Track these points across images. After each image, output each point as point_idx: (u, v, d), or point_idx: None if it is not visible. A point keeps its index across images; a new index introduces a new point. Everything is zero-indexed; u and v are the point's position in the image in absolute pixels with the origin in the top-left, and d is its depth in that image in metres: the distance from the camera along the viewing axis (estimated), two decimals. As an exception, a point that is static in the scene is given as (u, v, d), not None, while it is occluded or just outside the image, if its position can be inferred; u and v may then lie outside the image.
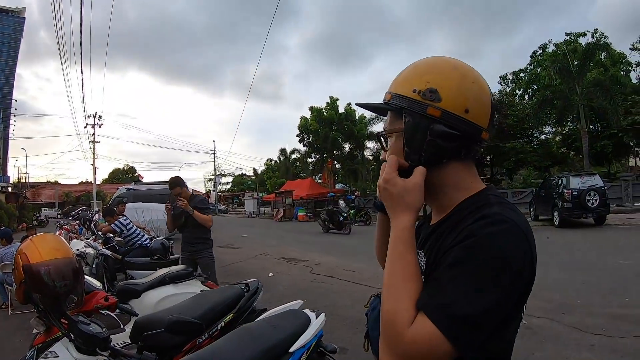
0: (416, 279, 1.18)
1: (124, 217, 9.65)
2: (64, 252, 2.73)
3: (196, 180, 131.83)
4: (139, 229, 9.64)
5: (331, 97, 42.36)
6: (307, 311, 3.51)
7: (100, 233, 10.15)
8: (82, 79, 53.34)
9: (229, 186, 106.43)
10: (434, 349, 1.07)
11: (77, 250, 6.97)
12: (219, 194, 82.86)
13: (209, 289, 5.41)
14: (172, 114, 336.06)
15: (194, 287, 5.37)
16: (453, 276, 1.11)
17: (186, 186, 6.95)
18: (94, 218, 15.29)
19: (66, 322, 2.56)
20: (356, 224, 28.44)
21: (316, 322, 3.36)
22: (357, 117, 41.72)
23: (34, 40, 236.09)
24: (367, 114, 42.11)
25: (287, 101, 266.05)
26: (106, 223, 9.87)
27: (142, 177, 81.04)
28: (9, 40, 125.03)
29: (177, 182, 6.78)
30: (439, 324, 1.06)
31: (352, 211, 29.75)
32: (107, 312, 3.55)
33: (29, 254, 2.59)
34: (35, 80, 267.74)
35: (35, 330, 5.24)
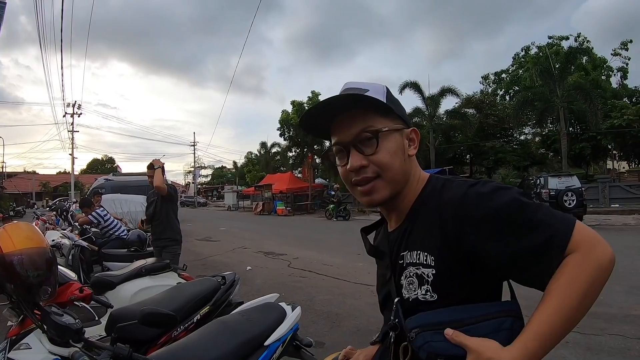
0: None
1: (101, 209, 9.57)
2: (37, 242, 2.68)
3: (176, 172, 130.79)
4: (116, 221, 9.57)
5: (313, 92, 42.14)
6: (283, 304, 3.51)
7: (77, 224, 10.06)
8: (62, 67, 52.62)
9: (209, 179, 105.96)
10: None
11: (53, 240, 6.90)
12: (199, 186, 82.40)
13: (185, 281, 5.39)
14: (153, 104, 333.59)
15: (170, 280, 5.33)
16: (521, 217, 1.22)
17: (161, 172, 6.72)
18: (71, 209, 15.14)
19: (39, 313, 2.53)
20: (335, 219, 28.48)
21: (292, 316, 3.37)
22: None
23: (15, 26, 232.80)
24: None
25: (269, 95, 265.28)
26: (83, 214, 9.78)
27: (121, 169, 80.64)
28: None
29: (149, 165, 6.76)
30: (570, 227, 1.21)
31: (332, 206, 29.82)
32: (81, 303, 3.50)
33: (1, 243, 2.53)
34: (15, 67, 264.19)
35: (10, 322, 5.20)
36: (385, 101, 1.41)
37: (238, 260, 12.97)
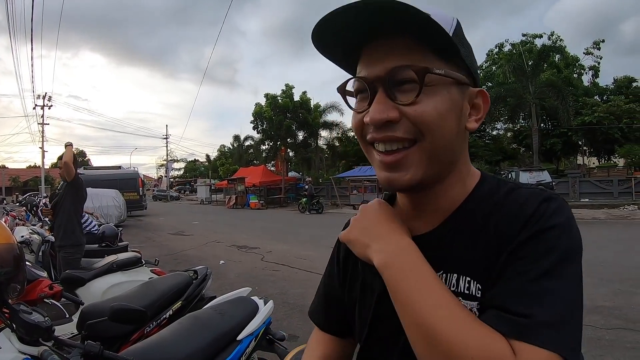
0: (458, 302, 0.88)
1: None
2: (4, 238, 2.58)
3: (148, 165, 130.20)
4: (87, 215, 9.42)
5: (287, 85, 41.74)
6: (255, 298, 3.52)
7: (47, 219, 9.91)
8: (32, 58, 51.60)
9: (182, 172, 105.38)
10: None
11: (22, 237, 6.80)
12: (171, 180, 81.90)
13: (157, 276, 5.36)
14: (125, 96, 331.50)
15: (142, 275, 5.30)
16: (551, 278, 0.82)
17: (74, 163, 6.37)
18: (41, 204, 14.94)
19: (8, 311, 2.49)
20: (308, 212, 28.52)
21: (264, 310, 3.37)
22: (311, 106, 41.59)
23: None
24: (322, 102, 42.16)
25: (242, 87, 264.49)
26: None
27: (91, 162, 79.69)
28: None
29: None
30: (558, 348, 0.77)
31: (304, 199, 29.85)
32: (52, 301, 3.45)
33: None
34: None
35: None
36: (451, 35, 0.89)
37: (211, 254, 12.93)
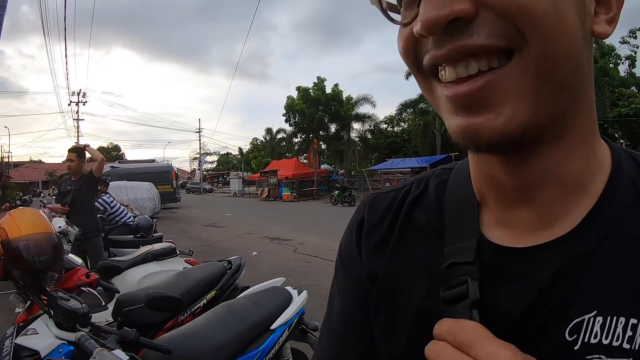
0: None
1: (108, 195, 9.55)
2: (43, 227, 2.66)
3: (181, 158, 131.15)
4: (122, 207, 9.54)
5: (319, 77, 41.67)
6: (289, 288, 3.53)
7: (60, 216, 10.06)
8: (66, 55, 52.44)
9: (214, 165, 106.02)
10: None
11: (60, 228, 6.90)
12: (204, 173, 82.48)
13: (191, 266, 5.40)
14: (157, 91, 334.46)
15: (176, 265, 5.35)
16: None
17: (83, 160, 6.63)
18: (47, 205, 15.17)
19: (46, 298, 2.53)
20: (340, 205, 28.45)
21: (298, 300, 3.37)
22: (343, 98, 41.34)
23: (17, 16, 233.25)
24: (354, 94, 41.87)
25: (274, 80, 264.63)
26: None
27: (126, 156, 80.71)
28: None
29: (75, 149, 6.59)
30: None
31: (337, 192, 29.79)
32: (88, 289, 3.51)
33: (7, 228, 2.50)
34: (19, 57, 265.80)
35: (17, 310, 5.23)
36: None
37: (244, 246, 12.95)
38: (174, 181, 31.94)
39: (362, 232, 0.85)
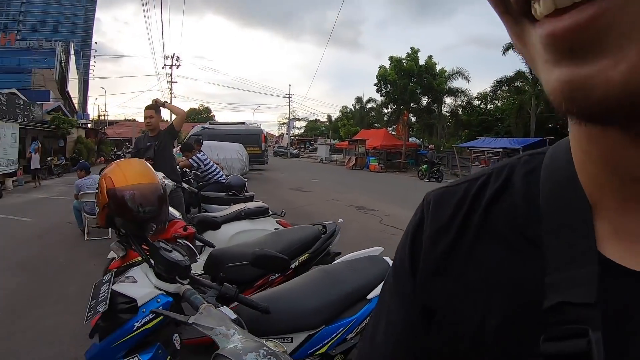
0: None
1: (202, 153, 9.70)
2: (149, 178, 2.66)
3: (270, 122, 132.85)
4: (215, 165, 9.67)
5: (412, 48, 40.52)
6: (387, 258, 3.40)
7: (177, 167, 10.29)
8: (162, 21, 53.75)
9: (302, 131, 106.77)
10: None
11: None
12: (292, 137, 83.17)
13: (282, 227, 5.40)
14: (247, 57, 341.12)
15: (268, 225, 5.36)
16: None
17: (160, 116, 6.81)
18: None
19: (147, 248, 2.53)
20: (427, 180, 28.05)
21: None
22: (437, 71, 40.18)
23: None
24: (448, 67, 40.82)
25: (365, 49, 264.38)
26: (184, 158, 9.97)
27: (215, 118, 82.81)
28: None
29: (152, 106, 6.68)
30: None
31: (425, 166, 29.36)
32: (184, 241, 3.52)
33: (114, 177, 2.49)
34: (114, 23, 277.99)
35: (110, 256, 5.37)
36: None
37: (329, 212, 12.88)
38: (263, 144, 32.36)
39: (420, 237, 0.66)
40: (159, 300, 2.34)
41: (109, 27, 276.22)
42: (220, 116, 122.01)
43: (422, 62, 39.65)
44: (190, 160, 9.41)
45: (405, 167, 39.78)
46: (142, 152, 6.63)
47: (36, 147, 22.20)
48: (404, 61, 39.47)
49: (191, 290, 2.17)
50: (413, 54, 39.90)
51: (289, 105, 76.64)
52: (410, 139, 47.42)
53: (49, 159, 28.36)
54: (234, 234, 5.01)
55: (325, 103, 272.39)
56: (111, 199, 2.43)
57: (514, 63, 35.22)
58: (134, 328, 2.29)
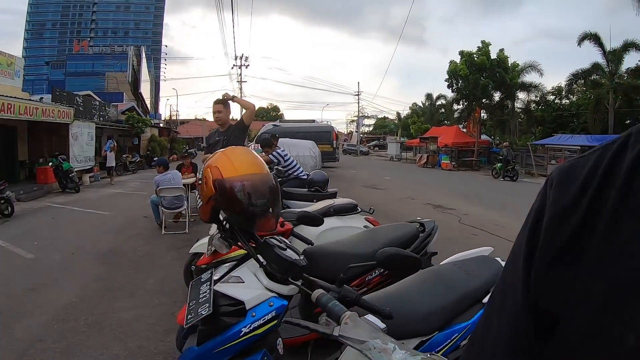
0: None
1: (282, 149, 9.65)
2: (259, 168, 2.50)
3: (338, 120, 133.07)
4: (295, 161, 9.61)
5: (483, 42, 39.56)
6: (498, 259, 3.25)
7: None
8: (233, 24, 54.94)
9: (371, 128, 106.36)
10: None
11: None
12: (361, 135, 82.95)
13: (371, 225, 5.28)
14: (314, 55, 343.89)
15: (357, 222, 5.24)
16: None
17: (229, 111, 6.75)
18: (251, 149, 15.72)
19: (254, 245, 2.43)
20: (502, 179, 27.37)
21: None
22: (509, 65, 38.76)
23: None
24: (521, 61, 39.58)
25: (430, 45, 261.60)
26: (263, 153, 9.96)
27: (284, 116, 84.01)
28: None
29: (220, 101, 6.59)
30: None
31: (499, 164, 28.63)
32: (281, 238, 3.44)
33: (222, 167, 2.36)
34: (182, 27, 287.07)
35: (194, 250, 5.39)
36: None
37: (407, 210, 12.76)
38: (334, 141, 32.29)
39: (540, 225, 0.58)
40: (271, 303, 2.23)
41: (177, 31, 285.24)
42: (289, 114, 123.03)
43: (493, 55, 38.71)
44: (270, 155, 9.28)
45: (478, 165, 38.97)
46: (212, 147, 6.61)
47: (111, 146, 23.16)
48: (475, 55, 38.58)
49: (327, 295, 2.00)
50: (484, 47, 38.94)
51: (358, 103, 76.57)
52: (481, 136, 46.46)
53: (124, 156, 29.63)
54: (322, 231, 4.89)
55: (393, 100, 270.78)
56: (219, 190, 2.32)
57: (588, 55, 33.74)
58: (241, 334, 2.19)
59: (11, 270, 7.35)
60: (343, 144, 74.19)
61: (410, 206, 14.13)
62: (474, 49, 39.44)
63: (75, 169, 19.49)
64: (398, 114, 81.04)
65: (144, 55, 65.99)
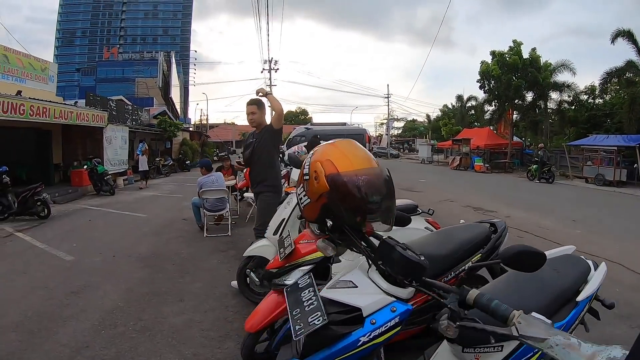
0: None
1: None
2: (372, 161, 2.29)
3: (366, 124, 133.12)
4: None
5: (514, 41, 39.18)
6: (583, 257, 3.14)
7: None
8: (268, 30, 55.22)
9: (400, 131, 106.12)
10: None
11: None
12: (390, 138, 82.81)
13: (432, 226, 5.09)
14: (340, 58, 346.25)
15: (418, 223, 5.05)
16: None
17: (264, 111, 6.38)
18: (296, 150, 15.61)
19: (364, 244, 2.25)
20: (537, 181, 26.90)
21: (600, 271, 2.96)
22: (541, 64, 38.15)
23: None
24: (553, 60, 38.84)
25: (457, 46, 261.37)
26: (307, 153, 9.80)
27: (313, 119, 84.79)
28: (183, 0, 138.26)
29: (253, 101, 6.26)
30: None
31: (534, 166, 28.14)
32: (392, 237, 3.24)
33: (335, 161, 2.16)
34: (209, 34, 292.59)
35: (250, 253, 5.22)
36: None
37: (448, 213, 12.56)
38: (367, 144, 32.19)
39: None
40: (394, 309, 2.04)
41: (205, 37, 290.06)
42: (317, 118, 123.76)
43: (525, 55, 38.17)
44: None
45: (511, 167, 38.44)
46: (245, 150, 6.53)
47: (143, 149, 23.09)
48: (506, 55, 38.13)
49: (486, 295, 1.82)
50: (516, 47, 38.50)
51: (388, 105, 76.23)
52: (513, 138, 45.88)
53: (157, 159, 30.05)
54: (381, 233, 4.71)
55: (420, 102, 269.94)
56: (334, 186, 2.11)
57: (622, 53, 32.84)
58: (359, 343, 2.00)
59: (51, 273, 7.24)
60: (373, 147, 74.24)
61: (451, 208, 13.89)
62: (505, 49, 39.09)
63: (110, 172, 19.60)
64: (428, 116, 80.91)
65: (173, 60, 66.96)
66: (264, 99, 6.39)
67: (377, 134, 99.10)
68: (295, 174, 5.95)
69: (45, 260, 7.99)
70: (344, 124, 41.85)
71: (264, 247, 5.31)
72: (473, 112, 52.47)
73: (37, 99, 16.06)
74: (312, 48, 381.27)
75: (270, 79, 55.19)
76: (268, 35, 51.38)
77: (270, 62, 54.51)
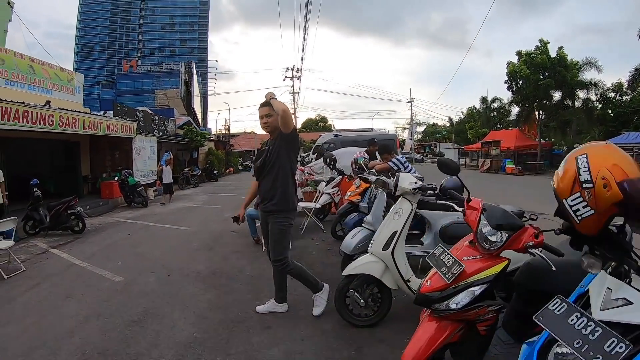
0: None
1: (401, 156, 9.05)
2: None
3: (387, 129, 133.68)
4: (413, 167, 8.82)
5: (541, 40, 38.75)
6: None
7: (373, 171, 9.42)
8: (285, 39, 55.21)
9: (421, 135, 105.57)
10: None
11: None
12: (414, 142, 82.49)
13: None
14: (358, 64, 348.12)
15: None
16: None
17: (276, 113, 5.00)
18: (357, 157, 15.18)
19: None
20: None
21: None
22: (569, 63, 37.42)
23: (219, 8, 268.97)
24: (579, 57, 38.13)
25: (473, 49, 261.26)
26: (381, 160, 9.42)
27: (334, 126, 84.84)
28: (199, 11, 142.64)
29: (266, 103, 5.16)
30: None
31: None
32: (535, 251, 2.85)
33: (623, 165, 1.95)
34: (223, 44, 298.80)
35: (352, 272, 4.66)
36: None
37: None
38: (398, 149, 31.73)
39: None
40: None
41: (221, 48, 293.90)
42: (337, 124, 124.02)
43: (553, 54, 37.46)
44: (389, 162, 8.66)
45: (542, 168, 37.70)
46: (256, 159, 5.54)
47: (167, 159, 20.24)
48: (533, 55, 37.45)
49: None
50: (543, 46, 37.93)
51: (411, 110, 75.87)
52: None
53: (185, 169, 30.06)
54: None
55: (439, 105, 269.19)
56: (632, 194, 1.89)
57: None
58: None
59: (102, 297, 6.46)
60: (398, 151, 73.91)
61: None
62: (532, 49, 38.71)
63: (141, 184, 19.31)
64: (450, 119, 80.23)
65: (194, 70, 67.29)
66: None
67: (400, 139, 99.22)
68: (405, 180, 5.26)
69: (90, 282, 7.23)
70: (371, 129, 41.50)
71: (370, 264, 4.76)
72: (495, 113, 51.80)
73: (66, 110, 15.77)
74: (328, 55, 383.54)
75: (292, 86, 55.32)
76: (304, 43, 50.61)
77: (292, 69, 54.57)
